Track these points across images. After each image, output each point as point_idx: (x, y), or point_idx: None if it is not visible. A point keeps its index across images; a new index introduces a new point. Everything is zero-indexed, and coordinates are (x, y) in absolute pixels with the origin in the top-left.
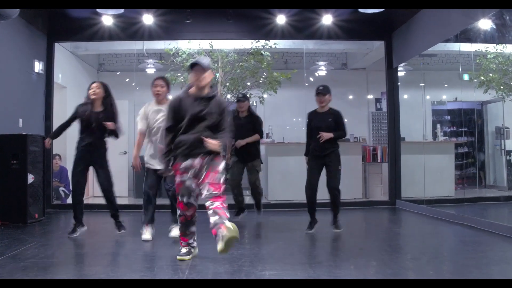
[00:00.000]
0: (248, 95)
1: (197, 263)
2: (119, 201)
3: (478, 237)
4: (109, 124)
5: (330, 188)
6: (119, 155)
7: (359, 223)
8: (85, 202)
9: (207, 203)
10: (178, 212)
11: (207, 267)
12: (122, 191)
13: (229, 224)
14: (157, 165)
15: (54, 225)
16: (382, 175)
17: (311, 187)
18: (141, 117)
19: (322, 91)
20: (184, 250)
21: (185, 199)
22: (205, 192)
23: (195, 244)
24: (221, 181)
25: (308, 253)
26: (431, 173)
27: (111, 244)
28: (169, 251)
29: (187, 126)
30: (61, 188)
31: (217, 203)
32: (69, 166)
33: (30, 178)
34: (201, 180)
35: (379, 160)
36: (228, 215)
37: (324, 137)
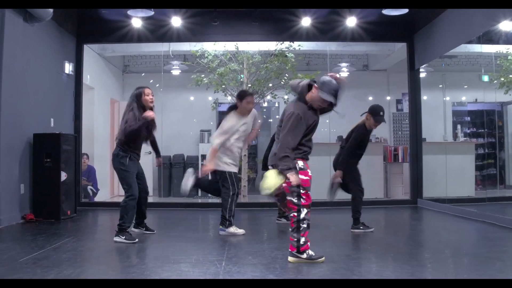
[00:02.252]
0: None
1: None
2: None
3: (500, 233)
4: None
5: None
6: (144, 155)
7: (385, 221)
8: (110, 200)
9: None
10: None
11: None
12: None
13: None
14: None
15: (86, 222)
16: (403, 175)
17: None
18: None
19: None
20: None
21: None
22: None
23: None
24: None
25: (354, 247)
26: (451, 173)
27: (146, 239)
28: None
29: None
30: (89, 187)
31: None
32: (96, 165)
33: (63, 176)
34: None
35: (400, 160)
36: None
37: None
